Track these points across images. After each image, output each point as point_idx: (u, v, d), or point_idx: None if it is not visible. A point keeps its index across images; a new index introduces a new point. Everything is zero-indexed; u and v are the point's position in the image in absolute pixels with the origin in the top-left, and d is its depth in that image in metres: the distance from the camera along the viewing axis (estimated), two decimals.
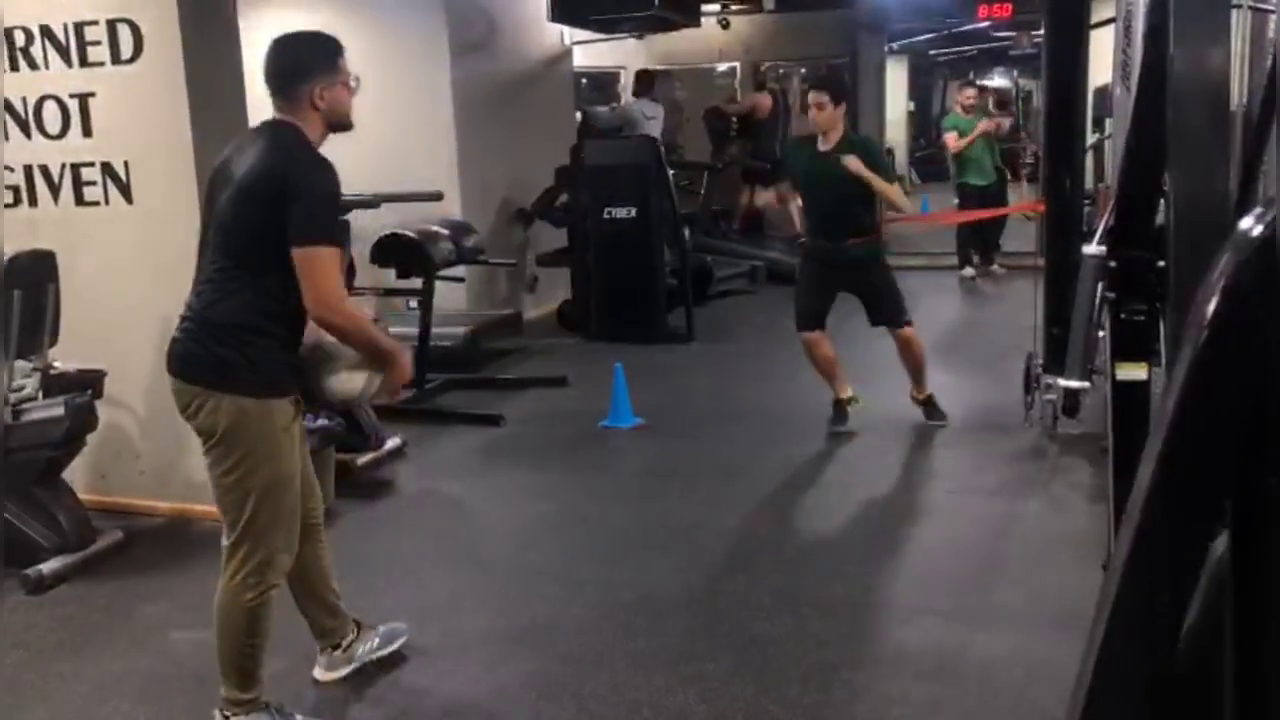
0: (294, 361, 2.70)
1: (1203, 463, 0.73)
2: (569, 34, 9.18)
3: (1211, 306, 0.70)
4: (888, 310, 5.19)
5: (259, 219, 2.56)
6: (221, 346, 2.59)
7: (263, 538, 2.66)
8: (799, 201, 5.54)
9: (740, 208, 10.87)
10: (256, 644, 2.71)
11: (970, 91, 9.99)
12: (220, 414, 2.59)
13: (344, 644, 3.07)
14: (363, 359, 2.73)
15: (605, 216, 7.56)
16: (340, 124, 2.73)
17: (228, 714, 2.74)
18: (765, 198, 10.28)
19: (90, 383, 4.05)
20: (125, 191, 4.24)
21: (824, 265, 5.16)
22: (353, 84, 2.75)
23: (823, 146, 5.08)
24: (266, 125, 2.72)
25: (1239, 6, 3.72)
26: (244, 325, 2.59)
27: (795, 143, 5.29)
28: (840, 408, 5.32)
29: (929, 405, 5.32)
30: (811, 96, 5.11)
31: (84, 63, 4.19)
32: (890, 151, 14.20)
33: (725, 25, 10.98)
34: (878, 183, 4.96)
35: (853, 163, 4.86)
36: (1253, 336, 0.70)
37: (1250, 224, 0.71)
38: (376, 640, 3.13)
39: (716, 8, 10.70)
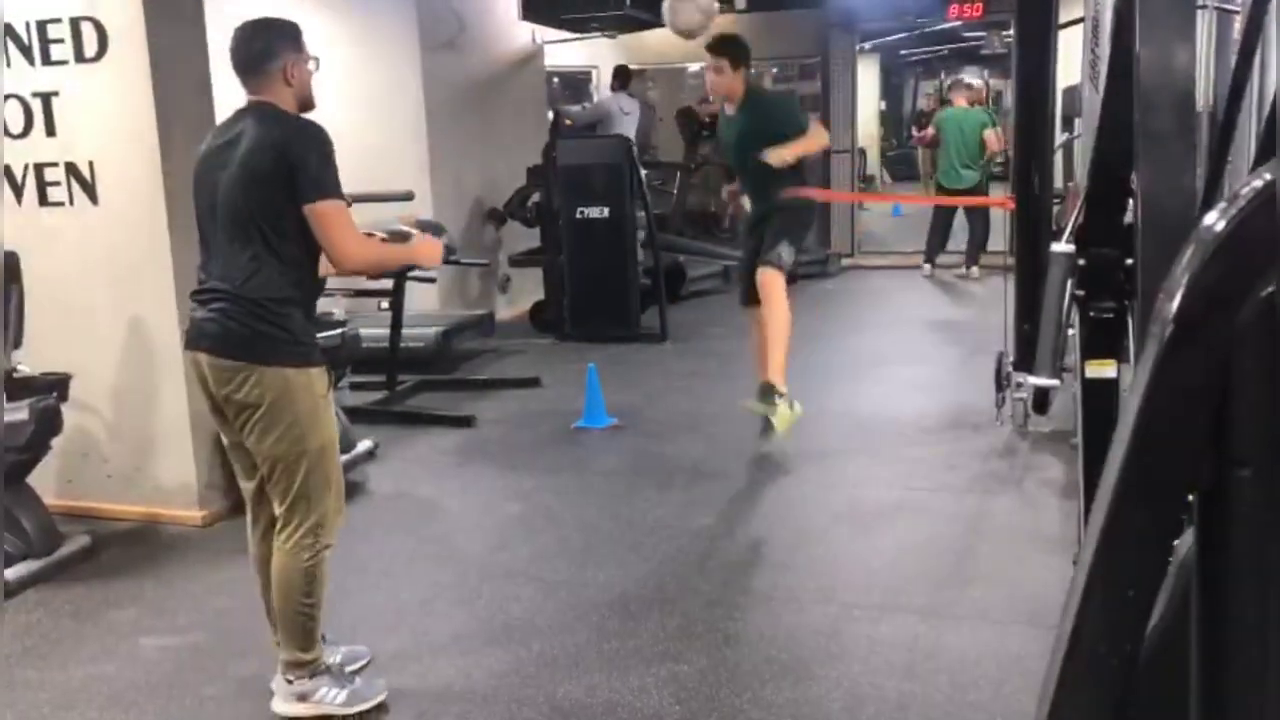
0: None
1: (1168, 457, 0.74)
2: (540, 33, 9.16)
3: (1176, 302, 0.70)
4: (766, 245, 4.79)
5: (270, 190, 2.65)
6: (259, 322, 2.68)
7: (315, 501, 2.77)
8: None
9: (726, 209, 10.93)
10: (314, 603, 2.81)
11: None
12: (265, 386, 2.68)
13: None
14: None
15: (578, 216, 7.55)
16: (307, 101, 2.85)
17: (290, 678, 2.83)
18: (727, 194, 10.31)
19: (55, 386, 4.00)
20: (90, 192, 4.19)
21: (753, 234, 5.00)
22: (311, 66, 2.86)
23: (729, 111, 5.00)
24: (249, 108, 2.79)
25: (1204, 7, 3.77)
26: (278, 299, 2.70)
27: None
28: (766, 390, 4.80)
29: (765, 390, 4.74)
30: (709, 60, 4.84)
31: (47, 61, 4.14)
32: (862, 152, 14.25)
33: None
34: (797, 150, 4.71)
35: (773, 156, 4.63)
36: (1217, 331, 0.70)
37: (1214, 219, 0.71)
38: (338, 658, 3.08)
39: None
